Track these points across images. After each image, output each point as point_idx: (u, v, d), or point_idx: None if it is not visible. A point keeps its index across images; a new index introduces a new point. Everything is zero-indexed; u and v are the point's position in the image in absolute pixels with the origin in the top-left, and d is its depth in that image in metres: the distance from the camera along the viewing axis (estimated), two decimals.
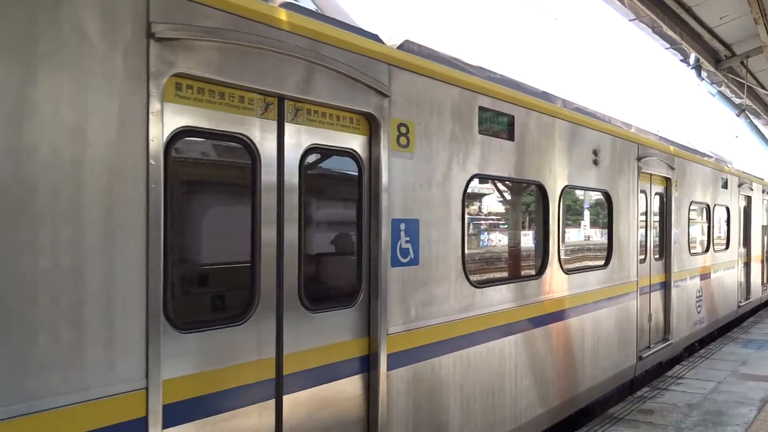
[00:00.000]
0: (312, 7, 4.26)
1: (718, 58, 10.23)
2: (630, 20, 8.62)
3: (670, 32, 8.81)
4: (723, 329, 13.17)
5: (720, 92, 10.69)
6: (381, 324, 4.19)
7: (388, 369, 4.27)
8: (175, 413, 3.08)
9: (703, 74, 10.41)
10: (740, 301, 14.41)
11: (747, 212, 14.81)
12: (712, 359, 10.61)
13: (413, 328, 4.50)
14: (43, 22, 2.58)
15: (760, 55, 8.77)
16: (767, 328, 13.81)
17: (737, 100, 11.07)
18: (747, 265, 15.02)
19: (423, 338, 4.61)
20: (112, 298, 2.81)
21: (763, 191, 16.01)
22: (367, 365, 4.19)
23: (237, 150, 3.54)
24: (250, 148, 3.52)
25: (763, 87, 11.45)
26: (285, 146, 3.68)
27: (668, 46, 9.73)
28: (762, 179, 16.17)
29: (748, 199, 14.77)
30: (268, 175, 3.60)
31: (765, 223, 16.28)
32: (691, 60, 10.23)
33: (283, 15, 3.62)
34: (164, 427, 2.97)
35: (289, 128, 3.71)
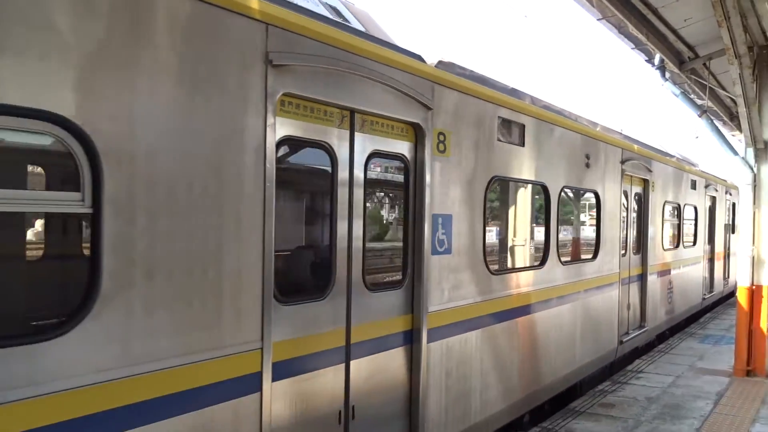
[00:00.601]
0: (353, 20, 5.04)
1: (681, 60, 10.40)
2: (598, 19, 8.70)
3: (636, 32, 8.92)
4: (689, 319, 14.27)
5: (683, 93, 10.87)
6: (423, 303, 4.99)
7: (427, 342, 5.06)
8: (279, 370, 3.78)
9: (667, 75, 10.58)
10: (705, 294, 15.47)
11: (712, 212, 15.79)
12: (671, 354, 10.86)
13: (446, 308, 5.34)
14: (198, 56, 3.29)
15: (722, 57, 8.94)
16: (724, 324, 14.19)
17: (699, 102, 11.28)
18: (711, 261, 16.01)
19: (453, 317, 5.45)
20: (240, 273, 3.50)
21: (726, 192, 16.83)
22: (410, 338, 4.99)
23: (321, 155, 4.25)
24: (330, 153, 4.27)
25: (724, 89, 11.70)
26: (355, 152, 4.43)
27: (634, 46, 9.87)
28: (725, 181, 16.95)
29: (713, 199, 15.80)
30: (342, 177, 4.35)
31: (727, 222, 17.08)
32: (656, 60, 10.39)
33: (357, 42, 4.39)
34: (273, 380, 3.71)
35: (357, 136, 4.46)
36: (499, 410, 6.21)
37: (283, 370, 3.84)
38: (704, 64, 10.47)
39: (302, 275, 4.58)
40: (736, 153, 9.67)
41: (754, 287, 9.40)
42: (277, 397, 3.80)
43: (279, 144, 3.79)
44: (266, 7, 3.65)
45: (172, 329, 3.14)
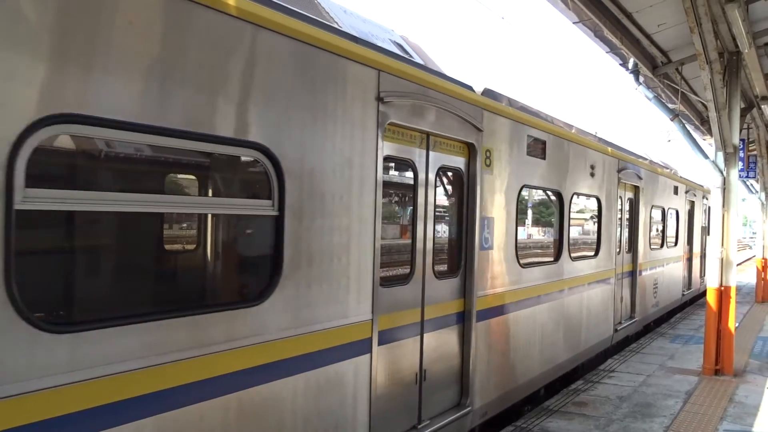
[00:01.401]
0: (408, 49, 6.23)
1: (655, 64, 10.56)
2: (574, 23, 8.80)
3: (610, 36, 9.04)
4: (669, 314, 15.65)
5: (656, 97, 11.05)
6: (473, 290, 6.18)
7: (475, 321, 6.23)
8: (381, 338, 4.90)
9: (641, 79, 10.73)
10: (684, 291, 16.90)
11: (691, 215, 17.32)
12: (642, 353, 11.04)
13: (488, 294, 6.51)
14: (338, 97, 4.40)
15: (694, 62, 9.10)
16: (693, 324, 14.47)
17: (672, 106, 11.47)
18: (689, 260, 17.54)
19: (493, 302, 6.64)
20: (360, 261, 4.63)
21: (703, 197, 18.09)
22: (462, 318, 6.17)
23: (406, 169, 5.46)
24: (413, 168, 5.43)
25: (695, 94, 11.91)
26: (429, 167, 5.59)
27: (609, 50, 9.99)
28: (702, 186, 18.05)
29: (692, 203, 17.32)
30: (420, 187, 5.49)
31: (704, 225, 18.16)
32: (630, 64, 10.54)
33: (431, 78, 5.50)
34: (378, 345, 4.84)
35: (431, 154, 5.62)
36: (523, 382, 7.45)
37: (383, 338, 4.95)
38: (677, 69, 10.64)
39: (393, 263, 5.94)
40: (707, 157, 9.84)
41: (722, 288, 9.60)
42: (380, 359, 4.92)
43: (384, 161, 4.90)
44: (379, 57, 4.81)
45: (321, 302, 4.25)
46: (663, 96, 11.60)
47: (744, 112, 12.08)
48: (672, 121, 10.85)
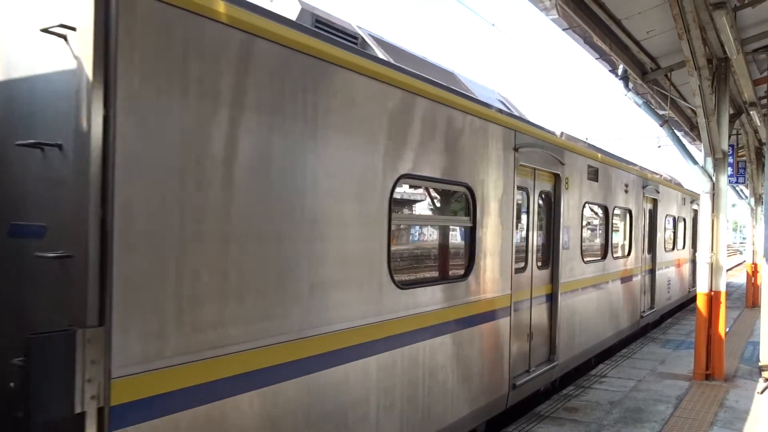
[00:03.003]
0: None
1: (644, 70, 10.62)
2: (563, 29, 8.84)
3: (600, 43, 9.09)
4: (678, 307, 17.94)
5: (645, 103, 11.11)
6: (558, 278, 8.66)
7: (560, 301, 8.71)
8: (514, 307, 7.32)
9: (631, 85, 10.79)
10: (690, 288, 19.18)
11: (695, 222, 19.07)
12: (633, 358, 11.06)
13: (565, 281, 8.90)
14: (498, 149, 6.81)
15: (683, 69, 9.15)
16: (684, 329, 14.51)
17: (661, 112, 11.54)
18: (694, 262, 19.22)
19: (568, 287, 9.05)
20: (508, 255, 7.12)
21: None
22: (550, 298, 8.62)
23: (524, 195, 7.78)
24: (527, 194, 7.82)
25: (684, 100, 11.98)
26: (535, 192, 8.01)
27: (599, 56, 10.04)
28: None
29: (696, 212, 18.90)
30: (531, 206, 7.92)
31: None
32: (620, 71, 10.59)
33: (535, 131, 7.86)
34: (513, 312, 7.25)
35: (537, 183, 8.03)
36: (585, 349, 9.96)
37: (514, 307, 7.36)
38: (666, 75, 10.70)
39: (518, 258, 7.59)
40: (696, 162, 9.89)
41: (712, 293, 9.64)
42: (513, 320, 7.32)
43: (516, 190, 7.24)
44: (515, 122, 7.25)
45: (491, 280, 6.71)
46: (653, 102, 11.66)
47: (733, 118, 12.16)
48: (661, 126, 10.91)
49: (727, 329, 12.82)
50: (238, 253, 3.63)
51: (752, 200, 20.84)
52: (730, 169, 13.81)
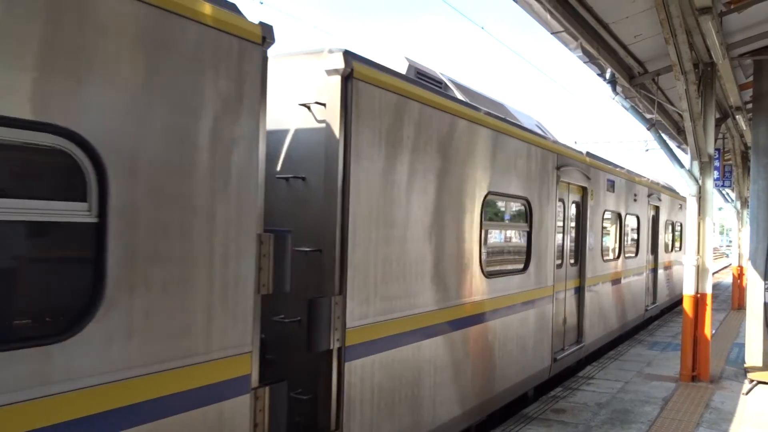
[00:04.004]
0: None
1: (631, 74, 10.70)
2: (552, 33, 8.89)
3: (588, 47, 9.15)
4: (673, 305, 19.14)
5: (633, 107, 11.19)
6: (585, 274, 10.43)
7: (585, 293, 10.46)
8: (555, 296, 9.13)
9: (618, 89, 10.86)
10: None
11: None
12: (621, 360, 11.13)
13: (590, 277, 10.66)
14: (543, 168, 8.65)
15: (669, 73, 9.24)
16: (671, 331, 14.62)
17: (648, 115, 11.62)
18: None
19: (592, 282, 10.84)
20: (552, 252, 9.00)
21: None
22: (578, 291, 10.34)
23: (560, 204, 9.35)
24: (564, 203, 9.55)
25: (671, 104, 12.10)
26: (570, 202, 9.80)
27: (587, 60, 10.11)
28: None
29: None
30: (568, 213, 9.77)
31: None
32: (607, 75, 10.66)
33: (572, 153, 9.81)
34: (554, 301, 9.10)
35: (570, 195, 9.77)
36: (602, 335, 11.65)
37: (555, 297, 9.10)
38: (653, 80, 10.79)
39: (557, 256, 9.09)
40: (682, 166, 9.98)
41: (699, 295, 9.72)
42: (555, 307, 9.08)
43: (557, 201, 8.90)
44: (556, 146, 9.00)
45: (538, 273, 8.34)
46: (640, 106, 11.76)
47: (719, 122, 12.29)
48: (649, 130, 10.99)
49: (714, 331, 12.94)
50: (410, 249, 5.40)
51: (738, 203, 21.05)
52: (716, 172, 14.02)
